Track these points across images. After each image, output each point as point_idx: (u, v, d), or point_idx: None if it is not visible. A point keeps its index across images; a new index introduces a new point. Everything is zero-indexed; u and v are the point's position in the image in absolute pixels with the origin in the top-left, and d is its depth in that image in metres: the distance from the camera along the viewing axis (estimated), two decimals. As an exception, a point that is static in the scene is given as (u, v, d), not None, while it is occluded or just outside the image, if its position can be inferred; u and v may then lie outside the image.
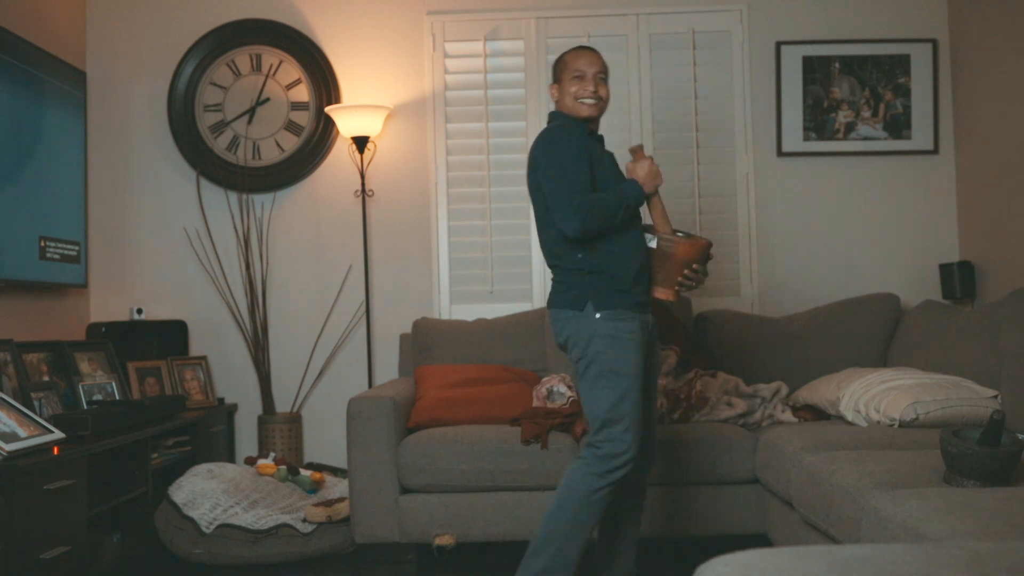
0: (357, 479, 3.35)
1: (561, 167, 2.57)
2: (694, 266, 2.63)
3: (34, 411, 3.29)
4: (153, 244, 4.49)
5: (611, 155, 2.79)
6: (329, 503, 3.56)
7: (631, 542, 2.82)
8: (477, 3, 4.45)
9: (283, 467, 3.87)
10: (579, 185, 2.54)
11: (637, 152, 2.67)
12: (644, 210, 2.74)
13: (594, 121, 2.73)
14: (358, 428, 3.35)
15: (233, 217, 4.43)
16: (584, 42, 4.34)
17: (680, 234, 2.72)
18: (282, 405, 4.41)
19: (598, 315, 2.57)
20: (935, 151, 4.38)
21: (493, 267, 4.36)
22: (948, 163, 4.39)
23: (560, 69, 2.72)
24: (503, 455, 3.29)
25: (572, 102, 2.67)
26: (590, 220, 2.51)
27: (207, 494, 3.50)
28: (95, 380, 3.81)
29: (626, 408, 2.54)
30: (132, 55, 4.50)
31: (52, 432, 3.04)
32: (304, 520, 3.49)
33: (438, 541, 3.28)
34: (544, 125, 4.41)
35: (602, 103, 2.68)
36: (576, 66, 2.65)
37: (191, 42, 4.44)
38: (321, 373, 4.43)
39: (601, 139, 2.80)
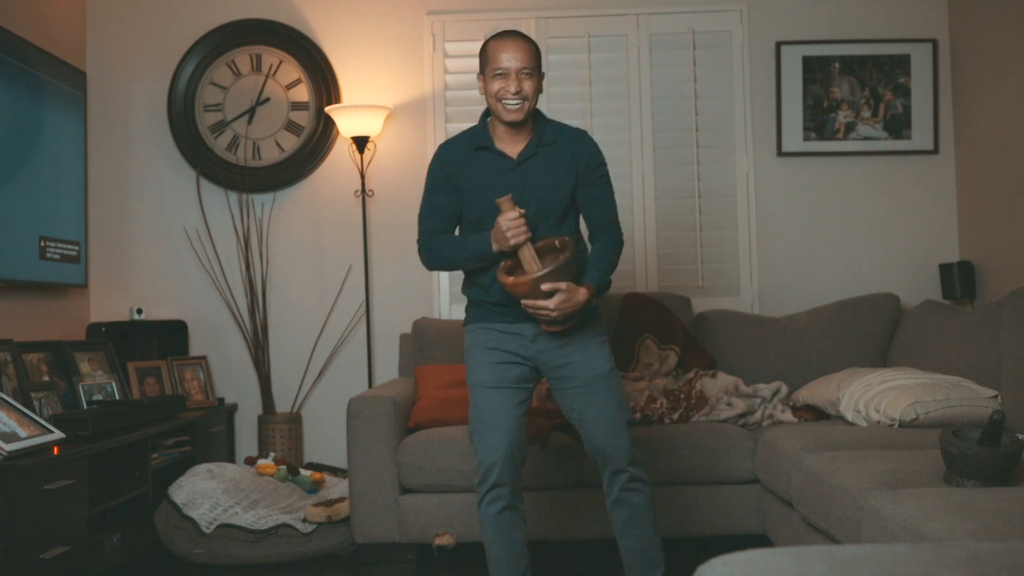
0: (357, 479, 3.35)
1: (424, 201, 2.60)
2: (525, 302, 2.43)
3: (34, 411, 3.29)
4: (153, 244, 4.49)
5: (528, 160, 2.49)
6: (329, 503, 3.56)
7: (630, 544, 2.61)
8: (477, 3, 4.45)
9: (283, 467, 3.87)
10: (426, 224, 2.56)
11: (501, 205, 2.40)
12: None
13: (518, 123, 2.48)
14: (358, 428, 3.35)
15: (233, 217, 4.43)
16: (582, 41, 4.37)
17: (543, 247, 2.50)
18: (282, 405, 4.41)
19: (465, 328, 2.64)
20: (935, 151, 4.38)
21: (493, 267, 4.36)
22: (948, 163, 4.39)
23: (483, 60, 2.46)
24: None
25: (494, 102, 2.43)
26: (431, 262, 2.60)
27: (207, 494, 3.50)
28: (95, 380, 3.81)
29: (478, 416, 2.52)
30: (132, 55, 4.50)
31: (52, 432, 3.04)
32: (304, 520, 3.49)
33: (438, 541, 3.28)
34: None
35: (527, 103, 2.43)
36: (498, 61, 2.40)
37: (191, 42, 4.44)
38: (321, 373, 4.43)
39: (537, 138, 2.52)
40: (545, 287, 2.37)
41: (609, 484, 2.58)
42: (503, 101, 2.42)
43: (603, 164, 2.60)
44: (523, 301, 2.42)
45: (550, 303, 2.37)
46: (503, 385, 2.52)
